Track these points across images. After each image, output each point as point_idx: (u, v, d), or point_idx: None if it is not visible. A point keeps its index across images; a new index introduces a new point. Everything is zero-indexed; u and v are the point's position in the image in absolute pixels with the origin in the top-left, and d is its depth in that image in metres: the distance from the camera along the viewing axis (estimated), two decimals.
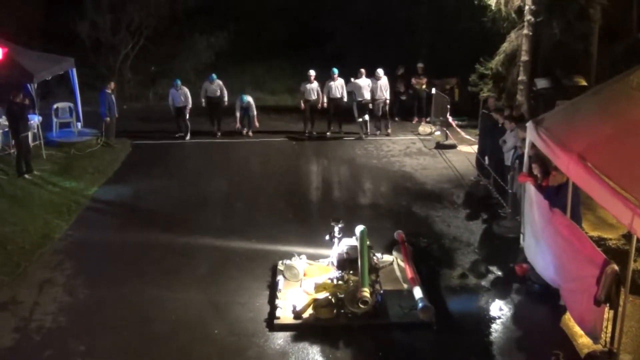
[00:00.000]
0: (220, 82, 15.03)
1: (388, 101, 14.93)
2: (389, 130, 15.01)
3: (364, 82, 14.70)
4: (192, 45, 20.14)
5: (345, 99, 14.92)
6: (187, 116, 14.70)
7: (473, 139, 13.63)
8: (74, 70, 14.64)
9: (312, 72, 14.71)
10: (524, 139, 8.51)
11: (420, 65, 16.23)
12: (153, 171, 12.40)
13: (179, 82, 14.76)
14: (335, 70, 14.76)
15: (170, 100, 14.82)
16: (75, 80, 14.74)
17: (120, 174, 12.23)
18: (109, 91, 13.91)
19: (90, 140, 14.05)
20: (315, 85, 14.71)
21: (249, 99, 14.76)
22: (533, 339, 6.66)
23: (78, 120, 14.83)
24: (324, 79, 15.23)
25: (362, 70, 14.72)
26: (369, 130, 14.99)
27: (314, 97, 14.71)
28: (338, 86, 14.77)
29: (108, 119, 13.82)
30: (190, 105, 14.72)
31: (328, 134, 15.06)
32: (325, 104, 14.82)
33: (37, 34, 18.27)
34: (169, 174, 12.29)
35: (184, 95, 14.69)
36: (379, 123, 15.05)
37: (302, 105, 14.83)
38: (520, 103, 13.74)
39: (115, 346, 6.48)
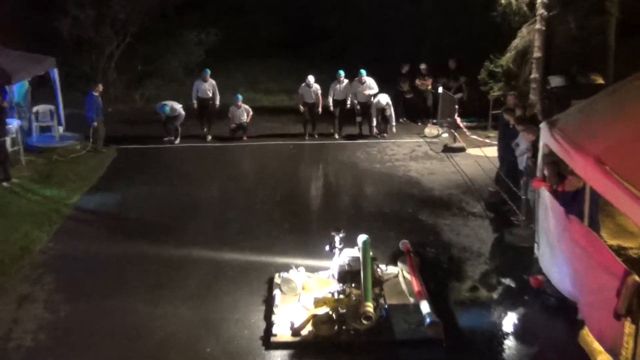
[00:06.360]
0: (213, 82, 15.08)
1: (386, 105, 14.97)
2: (385, 135, 15.07)
3: (361, 85, 14.96)
4: (182, 42, 20.16)
5: (348, 102, 15.04)
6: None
7: (481, 140, 13.66)
8: (55, 70, 14.65)
9: (312, 78, 14.80)
10: (534, 141, 8.53)
11: (422, 66, 16.31)
12: (140, 178, 12.39)
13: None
14: (342, 73, 14.94)
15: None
16: (56, 81, 14.75)
17: (105, 181, 12.22)
18: (96, 94, 13.89)
19: (73, 145, 14.05)
20: (314, 88, 14.79)
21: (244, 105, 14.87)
22: (549, 356, 6.65)
23: (60, 123, 14.82)
24: (323, 79, 15.31)
25: (362, 71, 14.94)
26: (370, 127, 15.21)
27: (312, 100, 14.82)
28: (343, 88, 14.95)
29: (96, 124, 13.82)
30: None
31: (336, 135, 15.22)
32: (330, 107, 14.95)
33: (15, 32, 18.28)
34: (158, 180, 12.28)
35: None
36: (382, 126, 15.14)
37: (301, 108, 14.94)
38: (533, 102, 13.75)
39: None
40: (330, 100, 14.94)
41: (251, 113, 14.98)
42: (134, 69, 19.95)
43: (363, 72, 14.88)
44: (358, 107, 15.02)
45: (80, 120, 14.28)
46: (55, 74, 14.68)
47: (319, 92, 14.90)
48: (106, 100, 15.83)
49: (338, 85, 14.98)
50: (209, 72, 15.06)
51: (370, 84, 14.92)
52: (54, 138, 14.51)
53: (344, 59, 18.64)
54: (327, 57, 19.70)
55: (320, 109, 14.96)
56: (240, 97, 14.91)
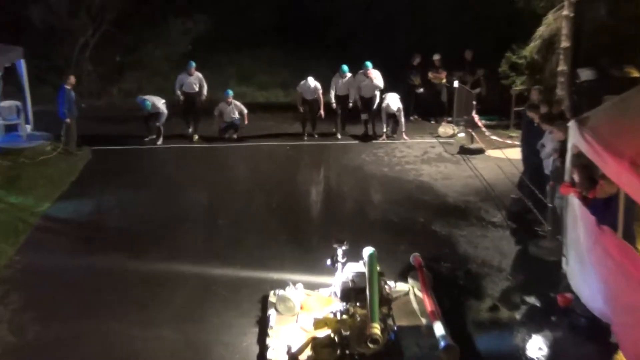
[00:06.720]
0: (200, 75, 15.13)
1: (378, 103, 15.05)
2: (394, 135, 15.12)
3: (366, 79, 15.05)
4: (166, 30, 20.21)
5: (351, 98, 15.12)
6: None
7: (502, 140, 13.68)
8: (23, 61, 14.67)
9: (311, 79, 14.84)
10: (563, 142, 8.54)
11: (436, 57, 16.35)
12: (118, 183, 12.40)
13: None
14: (346, 69, 15.00)
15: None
16: (23, 74, 14.78)
17: (78, 187, 12.23)
18: (69, 87, 13.92)
19: (43, 146, 14.06)
20: (314, 87, 14.83)
21: (235, 101, 14.87)
22: None
23: (27, 122, 14.85)
24: (324, 73, 15.36)
25: (368, 64, 14.99)
26: (376, 131, 15.25)
27: (312, 96, 14.86)
28: (346, 82, 15.07)
29: (69, 120, 13.83)
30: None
31: (339, 135, 15.31)
32: (332, 103, 15.06)
33: None
34: (138, 186, 12.30)
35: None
36: (392, 126, 15.18)
37: (300, 108, 15.04)
38: (560, 98, 13.78)
39: None
40: (332, 95, 15.00)
41: (245, 112, 14.94)
42: (112, 60, 19.98)
43: (369, 64, 14.92)
44: (359, 102, 15.08)
45: (50, 118, 14.28)
46: (23, 65, 14.70)
47: (320, 92, 14.92)
48: (80, 95, 15.88)
49: (340, 80, 15.04)
50: (194, 64, 15.09)
51: (376, 78, 14.95)
52: (21, 138, 14.53)
53: (348, 48, 18.68)
54: (329, 47, 19.74)
55: (322, 112, 15.02)
56: (230, 93, 14.91)
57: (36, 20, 18.18)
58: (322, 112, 15.08)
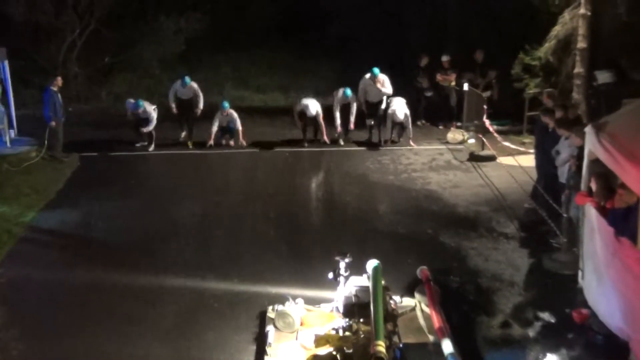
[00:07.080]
0: (195, 86, 15.21)
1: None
2: (396, 141, 15.27)
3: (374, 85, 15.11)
4: (158, 29, 20.25)
5: (355, 108, 15.19)
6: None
7: (514, 147, 13.70)
8: (6, 63, 14.73)
9: (313, 104, 14.87)
10: (580, 148, 8.58)
11: (445, 58, 16.36)
12: (107, 191, 12.44)
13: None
14: (349, 92, 15.03)
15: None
16: (7, 76, 14.83)
17: (64, 196, 12.28)
18: (55, 89, 14.00)
19: (27, 152, 14.11)
20: (315, 113, 14.87)
21: (232, 112, 14.92)
22: None
23: (11, 126, 14.90)
24: (324, 74, 15.38)
25: (376, 71, 15.07)
26: (381, 138, 15.29)
27: (313, 113, 14.87)
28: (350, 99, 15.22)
29: (54, 123, 13.89)
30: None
31: (341, 141, 15.41)
32: (338, 127, 15.15)
33: None
34: (128, 195, 12.34)
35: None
36: (398, 131, 15.25)
37: (299, 123, 15.13)
38: (576, 102, 13.82)
39: None
40: (337, 116, 15.05)
41: (240, 128, 14.90)
42: (100, 61, 20.03)
43: (376, 71, 14.91)
44: (364, 106, 15.17)
45: (36, 123, 14.31)
46: (6, 67, 14.76)
47: (321, 117, 14.94)
48: (67, 98, 15.93)
49: (343, 101, 15.17)
50: (188, 81, 15.13)
51: (384, 83, 14.99)
52: (4, 143, 14.57)
53: (349, 50, 18.71)
54: (330, 49, 19.78)
55: (326, 138, 15.14)
56: (227, 105, 14.82)
57: (19, 18, 18.22)
58: (325, 138, 15.14)
